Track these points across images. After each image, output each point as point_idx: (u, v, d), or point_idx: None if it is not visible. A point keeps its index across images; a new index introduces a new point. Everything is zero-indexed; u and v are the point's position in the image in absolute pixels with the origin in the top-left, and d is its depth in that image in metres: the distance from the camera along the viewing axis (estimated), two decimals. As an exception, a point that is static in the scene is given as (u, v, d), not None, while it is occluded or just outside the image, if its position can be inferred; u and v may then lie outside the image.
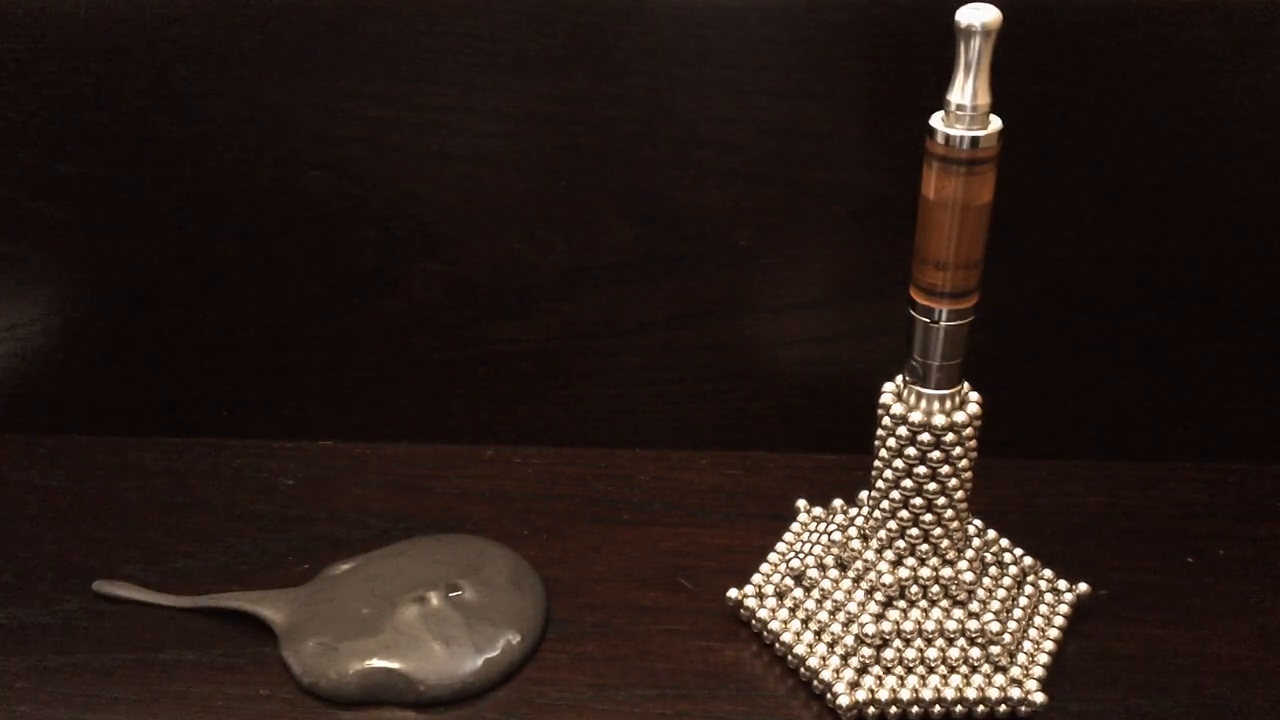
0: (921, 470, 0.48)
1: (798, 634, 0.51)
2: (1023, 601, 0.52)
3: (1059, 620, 0.52)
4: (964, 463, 0.49)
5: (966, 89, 0.43)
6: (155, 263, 0.59)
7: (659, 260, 0.58)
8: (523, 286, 0.59)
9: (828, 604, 0.51)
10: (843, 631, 0.50)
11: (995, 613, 0.50)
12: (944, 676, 0.49)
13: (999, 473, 0.60)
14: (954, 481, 0.49)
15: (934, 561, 0.50)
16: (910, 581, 0.50)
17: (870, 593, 0.50)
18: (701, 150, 0.56)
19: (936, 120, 0.44)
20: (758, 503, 0.59)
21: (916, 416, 0.48)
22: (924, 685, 0.49)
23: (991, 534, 0.54)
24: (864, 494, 0.54)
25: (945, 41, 0.46)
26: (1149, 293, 0.58)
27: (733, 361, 0.61)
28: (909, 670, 0.49)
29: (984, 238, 0.45)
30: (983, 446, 0.50)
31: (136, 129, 0.56)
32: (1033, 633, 0.51)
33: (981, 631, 0.49)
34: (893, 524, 0.50)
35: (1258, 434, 0.60)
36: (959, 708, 0.49)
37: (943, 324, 0.46)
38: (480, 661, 0.50)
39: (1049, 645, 0.51)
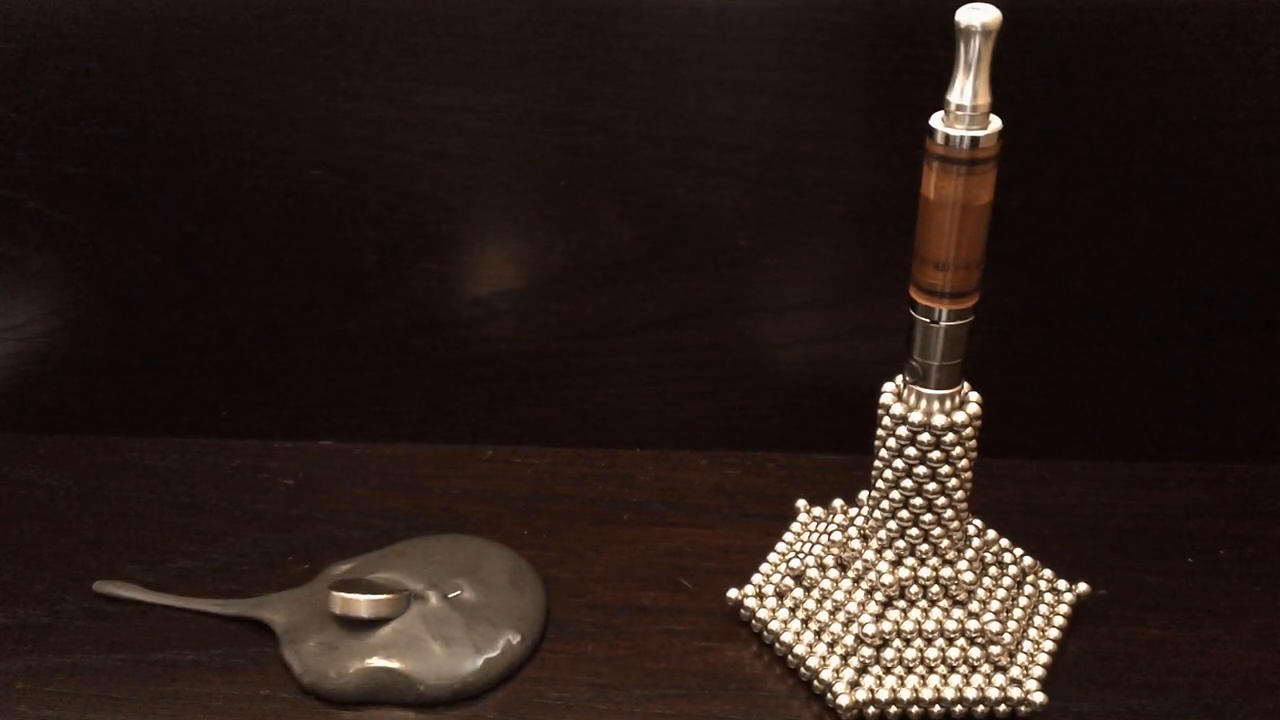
0: (921, 470, 0.48)
1: (798, 634, 0.51)
2: (1022, 601, 0.52)
3: (1059, 620, 0.52)
4: (964, 463, 0.49)
5: (966, 89, 0.43)
6: (155, 263, 0.59)
7: (659, 260, 0.58)
8: (523, 286, 0.59)
9: (828, 604, 0.51)
10: (843, 631, 0.50)
11: (995, 613, 0.50)
12: (944, 676, 0.49)
13: (999, 473, 0.60)
14: (954, 481, 0.49)
15: (934, 561, 0.50)
16: (910, 581, 0.50)
17: (870, 593, 0.50)
18: (701, 150, 0.56)
19: (936, 120, 0.44)
20: (758, 503, 0.59)
21: (916, 416, 0.48)
22: (924, 685, 0.49)
23: (991, 534, 0.54)
24: (864, 494, 0.54)
25: (945, 41, 0.46)
26: (1149, 293, 0.58)
27: (733, 361, 0.61)
28: (909, 670, 0.49)
29: (984, 238, 0.45)
30: (983, 446, 0.50)
31: (136, 129, 0.56)
32: (1032, 633, 0.51)
33: (981, 631, 0.49)
34: (893, 524, 0.50)
35: (1258, 434, 0.60)
36: (959, 708, 0.49)
37: (943, 324, 0.46)
38: (480, 661, 0.50)
39: (1049, 645, 0.51)
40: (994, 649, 0.49)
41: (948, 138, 0.43)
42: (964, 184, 0.44)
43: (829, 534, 0.53)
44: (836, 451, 0.61)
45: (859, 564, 0.51)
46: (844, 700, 0.49)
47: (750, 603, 0.53)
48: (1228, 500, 0.59)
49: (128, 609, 0.54)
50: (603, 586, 0.55)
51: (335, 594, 0.51)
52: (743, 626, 0.53)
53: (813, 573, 0.52)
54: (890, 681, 0.49)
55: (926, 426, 0.48)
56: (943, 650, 0.50)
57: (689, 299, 0.59)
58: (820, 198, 0.56)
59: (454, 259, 0.59)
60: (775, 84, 0.54)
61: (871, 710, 0.49)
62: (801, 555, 0.53)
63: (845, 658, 0.50)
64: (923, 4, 0.52)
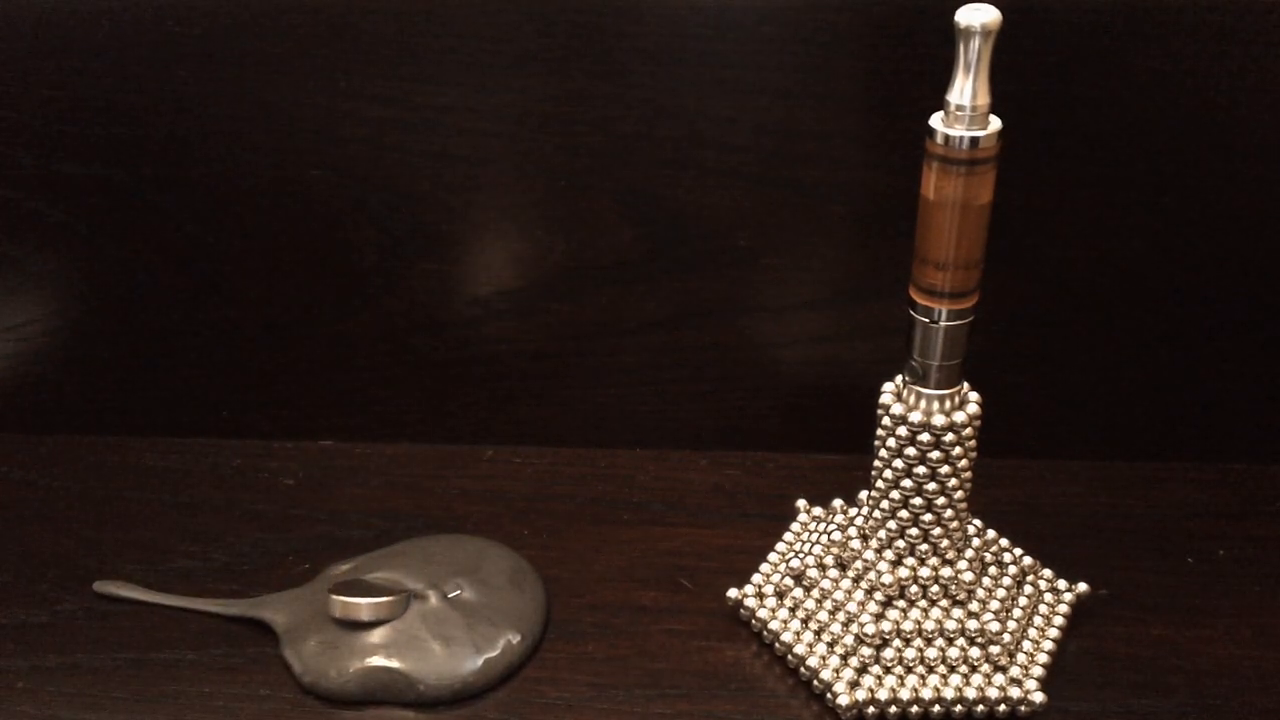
0: (921, 470, 0.48)
1: (798, 634, 0.51)
2: (1022, 601, 0.52)
3: (1059, 620, 0.52)
4: (964, 463, 0.49)
5: (966, 89, 0.43)
6: (155, 263, 0.59)
7: (659, 260, 0.58)
8: (523, 286, 0.59)
9: (828, 604, 0.51)
10: (842, 631, 0.50)
11: (995, 612, 0.50)
12: (944, 676, 0.49)
13: (999, 473, 0.60)
14: (954, 481, 0.49)
15: (934, 561, 0.50)
16: (910, 581, 0.50)
17: (870, 592, 0.50)
18: (701, 150, 0.56)
19: (936, 120, 0.44)
20: (758, 503, 0.59)
21: (916, 416, 0.48)
22: (924, 685, 0.49)
23: (991, 534, 0.54)
24: (864, 494, 0.54)
25: (945, 41, 0.46)
26: (1149, 293, 0.58)
27: (733, 361, 0.61)
28: (909, 670, 0.49)
29: (984, 238, 0.45)
30: (983, 446, 0.50)
31: (136, 129, 0.56)
32: (1032, 632, 0.51)
33: (981, 631, 0.49)
34: (892, 524, 0.50)
35: (1258, 434, 0.60)
36: (958, 707, 0.49)
37: (943, 324, 0.46)
38: (480, 661, 0.50)
39: (1048, 645, 0.51)
40: (994, 649, 0.49)
41: (947, 138, 0.43)
42: (964, 184, 0.44)
43: (829, 534, 0.53)
44: (836, 451, 0.61)
45: (859, 564, 0.51)
46: (844, 700, 0.49)
47: (750, 602, 0.53)
48: (1228, 500, 0.59)
49: (128, 609, 0.54)
50: (603, 586, 0.55)
51: (335, 598, 0.51)
52: (743, 626, 0.53)
53: (813, 572, 0.52)
54: (890, 681, 0.49)
55: (926, 426, 0.48)
56: (942, 650, 0.50)
57: (689, 299, 0.59)
58: (820, 198, 0.56)
59: (454, 259, 0.59)
60: (775, 84, 0.54)
61: (871, 710, 0.49)
62: (801, 555, 0.53)
63: (845, 657, 0.50)
64: (923, 4, 0.52)
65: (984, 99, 0.43)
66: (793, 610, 0.52)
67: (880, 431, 0.49)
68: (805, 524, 0.57)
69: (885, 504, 0.50)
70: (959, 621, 0.50)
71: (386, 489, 0.60)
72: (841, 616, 0.51)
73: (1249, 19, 0.52)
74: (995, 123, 0.43)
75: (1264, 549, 0.56)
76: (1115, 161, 0.55)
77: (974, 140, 0.43)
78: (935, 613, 0.50)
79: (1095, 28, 0.52)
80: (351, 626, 0.51)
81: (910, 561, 0.50)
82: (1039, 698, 0.49)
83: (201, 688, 0.50)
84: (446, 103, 0.55)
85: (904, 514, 0.49)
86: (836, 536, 0.53)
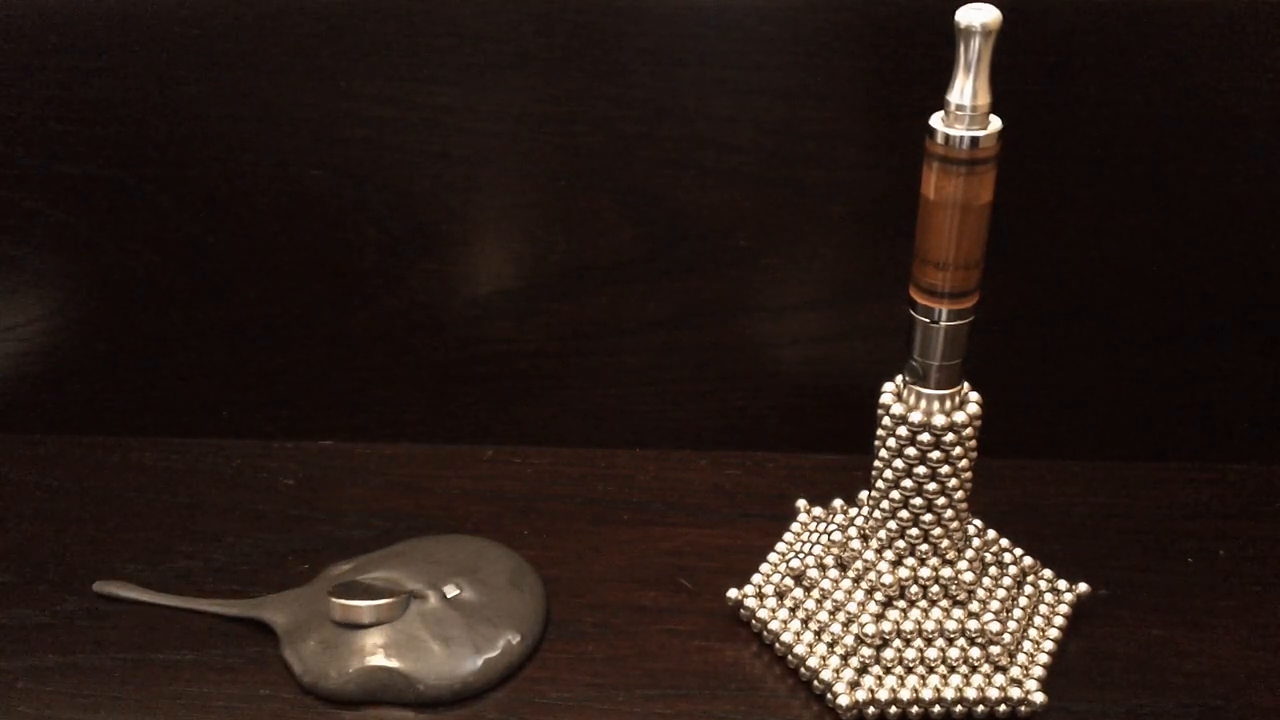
0: (921, 470, 0.48)
1: (798, 634, 0.51)
2: (1022, 601, 0.52)
3: (1059, 620, 0.52)
4: (964, 463, 0.49)
5: (966, 89, 0.43)
6: (155, 263, 0.59)
7: (659, 260, 0.58)
8: (523, 286, 0.59)
9: (828, 604, 0.51)
10: (843, 631, 0.50)
11: (995, 613, 0.50)
12: (944, 676, 0.49)
13: (999, 473, 0.60)
14: (954, 481, 0.49)
15: (934, 561, 0.50)
16: (910, 581, 0.50)
17: (870, 593, 0.50)
18: (701, 150, 0.56)
19: (936, 120, 0.44)
20: (758, 503, 0.59)
21: (916, 416, 0.48)
22: (924, 685, 0.49)
23: (991, 534, 0.54)
24: (864, 494, 0.54)
25: (945, 41, 0.46)
26: (1149, 293, 0.58)
27: (733, 361, 0.61)
28: (909, 670, 0.49)
29: (984, 238, 0.45)
30: (983, 446, 0.50)
31: (136, 129, 0.56)
32: (1032, 633, 0.51)
33: (981, 631, 0.49)
34: (893, 524, 0.50)
35: (1258, 434, 0.60)
36: (959, 708, 0.49)
37: (943, 324, 0.46)
38: (480, 661, 0.50)
39: (1049, 645, 0.51)
40: (994, 649, 0.49)
41: (948, 138, 0.43)
42: (964, 184, 0.44)
43: (829, 534, 0.53)
44: (836, 451, 0.61)
45: (859, 564, 0.51)
46: (844, 700, 0.49)
47: (750, 603, 0.53)
48: (1228, 500, 0.59)
49: (128, 609, 0.54)
50: (603, 586, 0.55)
51: (335, 601, 0.51)
52: (743, 626, 0.53)
53: (813, 573, 0.52)
54: (890, 681, 0.49)
55: (926, 426, 0.48)
56: (943, 650, 0.50)
57: (689, 299, 0.59)
58: (820, 198, 0.56)
59: (454, 259, 0.59)
60: (775, 84, 0.54)
61: (871, 710, 0.49)
62: (801, 555, 0.53)
63: (845, 658, 0.50)
64: (923, 4, 0.52)
65: (984, 99, 0.43)
66: (793, 610, 0.52)
67: (880, 431, 0.49)
68: (805, 524, 0.57)
69: (885, 504, 0.50)
70: (959, 622, 0.50)
71: (386, 489, 0.60)
72: (842, 617, 0.51)
73: (1249, 19, 0.52)
74: (995, 123, 0.43)
75: (1264, 549, 0.56)
76: (1115, 161, 0.55)
77: (974, 140, 0.43)
78: (935, 613, 0.50)
79: (1095, 28, 0.52)
80: (351, 627, 0.51)
81: (910, 562, 0.50)
82: (1039, 698, 0.49)
83: (201, 688, 0.50)
84: (446, 103, 0.55)
85: (904, 514, 0.49)
86: (836, 536, 0.53)
